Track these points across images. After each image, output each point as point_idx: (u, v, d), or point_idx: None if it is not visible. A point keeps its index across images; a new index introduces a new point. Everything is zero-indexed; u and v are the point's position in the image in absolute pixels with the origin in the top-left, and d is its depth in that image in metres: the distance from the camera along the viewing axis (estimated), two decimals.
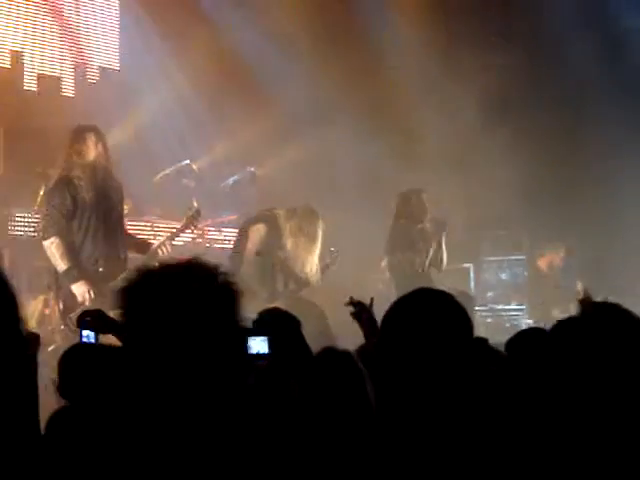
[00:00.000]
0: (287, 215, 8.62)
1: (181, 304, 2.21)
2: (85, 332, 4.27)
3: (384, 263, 9.75)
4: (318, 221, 8.61)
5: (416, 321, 2.78)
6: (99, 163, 7.69)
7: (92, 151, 7.66)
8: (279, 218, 8.61)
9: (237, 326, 2.29)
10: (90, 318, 4.31)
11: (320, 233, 8.57)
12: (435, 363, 2.73)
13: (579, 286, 10.46)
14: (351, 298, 4.53)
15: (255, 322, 3.88)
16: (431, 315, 2.78)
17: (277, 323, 3.77)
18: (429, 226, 9.57)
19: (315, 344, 7.33)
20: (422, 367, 2.72)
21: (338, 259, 8.93)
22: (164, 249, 7.93)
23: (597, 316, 3.18)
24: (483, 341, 3.66)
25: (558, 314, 9.43)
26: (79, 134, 7.70)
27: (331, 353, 3.35)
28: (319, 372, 3.15)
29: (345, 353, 3.26)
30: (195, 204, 8.24)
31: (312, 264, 8.64)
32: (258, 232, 8.54)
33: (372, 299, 4.55)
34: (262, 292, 8.38)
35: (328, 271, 8.89)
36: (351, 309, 4.49)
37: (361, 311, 4.47)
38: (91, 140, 7.66)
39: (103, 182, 7.72)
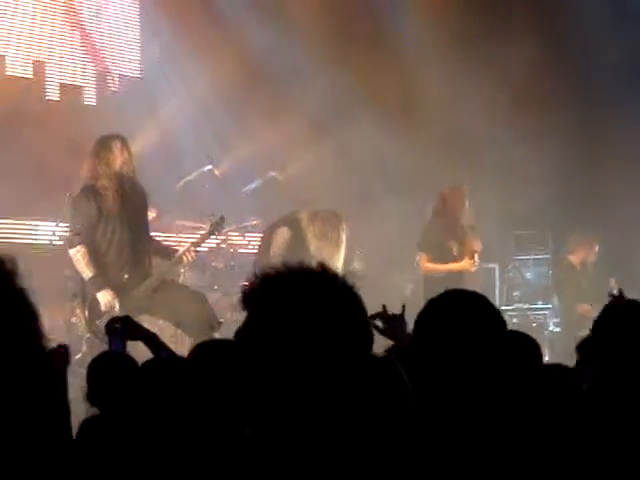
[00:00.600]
0: (310, 218, 8.62)
1: (310, 307, 2.22)
2: (113, 339, 4.29)
3: (417, 259, 9.72)
4: (341, 225, 8.59)
5: (449, 322, 2.76)
6: (125, 171, 7.72)
7: (118, 159, 7.69)
8: (302, 221, 8.61)
9: (365, 328, 2.28)
10: (118, 325, 4.33)
11: (344, 237, 8.56)
12: (470, 363, 2.71)
13: (612, 282, 10.38)
14: (384, 308, 4.27)
15: None
16: (464, 315, 2.77)
17: None
18: (466, 223, 9.54)
19: None
20: (457, 368, 2.70)
21: (365, 262, 8.92)
22: (189, 256, 7.95)
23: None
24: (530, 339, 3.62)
25: (590, 310, 9.40)
26: (105, 143, 7.73)
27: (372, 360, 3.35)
28: (361, 380, 3.15)
29: (386, 359, 3.27)
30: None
31: (336, 268, 8.63)
32: (282, 236, 8.54)
33: (404, 306, 4.33)
34: None
35: (357, 274, 8.88)
36: (379, 324, 4.20)
37: (391, 323, 4.24)
38: (117, 148, 7.69)
39: (129, 190, 7.75)
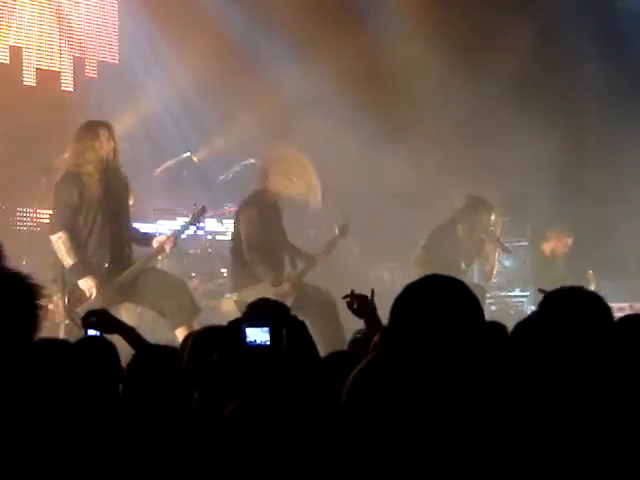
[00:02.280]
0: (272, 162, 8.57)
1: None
2: (90, 332, 4.29)
3: (416, 256, 9.58)
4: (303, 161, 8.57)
5: (426, 306, 2.76)
6: (111, 160, 7.69)
7: (105, 147, 7.66)
8: (265, 192, 8.56)
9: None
10: (95, 318, 4.33)
11: (309, 167, 8.54)
12: (446, 348, 2.72)
13: (590, 275, 10.46)
14: (352, 291, 4.52)
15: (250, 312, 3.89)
16: (441, 300, 2.77)
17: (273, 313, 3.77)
18: (484, 241, 9.42)
19: (327, 332, 7.33)
20: (433, 352, 2.71)
21: (349, 228, 8.78)
22: (169, 245, 7.94)
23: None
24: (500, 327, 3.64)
25: None
26: (92, 129, 7.68)
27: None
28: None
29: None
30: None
31: (315, 191, 8.58)
32: (249, 216, 8.51)
33: (373, 290, 4.52)
34: (266, 276, 8.37)
35: (339, 244, 8.78)
36: (348, 301, 4.48)
37: (361, 304, 4.44)
38: (104, 136, 7.66)
39: (112, 179, 7.72)
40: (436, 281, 2.88)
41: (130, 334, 4.27)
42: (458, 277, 2.89)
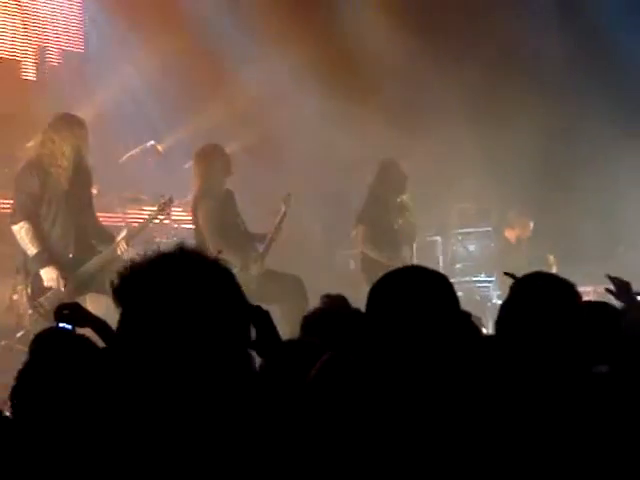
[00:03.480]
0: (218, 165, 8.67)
1: (180, 292, 2.07)
2: (62, 325, 4.27)
3: (354, 233, 9.76)
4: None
5: (403, 296, 2.74)
6: (79, 153, 7.67)
7: (76, 141, 7.64)
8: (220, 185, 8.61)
9: (239, 310, 2.13)
10: (67, 311, 4.31)
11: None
12: (422, 338, 2.71)
13: (551, 259, 10.55)
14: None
15: None
16: (418, 291, 2.75)
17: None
18: (406, 200, 9.59)
19: (294, 317, 7.33)
20: (410, 342, 2.70)
21: (291, 201, 8.95)
22: (124, 247, 7.88)
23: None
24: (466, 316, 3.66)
25: None
26: (70, 125, 7.69)
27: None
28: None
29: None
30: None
31: None
32: (207, 206, 8.53)
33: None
34: (236, 262, 8.42)
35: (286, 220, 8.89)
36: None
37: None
38: (81, 134, 7.66)
39: (78, 171, 7.70)
40: (413, 272, 2.88)
41: (102, 327, 4.26)
42: (395, 237, 2.87)
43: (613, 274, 4.90)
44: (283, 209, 8.87)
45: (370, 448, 2.53)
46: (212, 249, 8.47)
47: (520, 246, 11.18)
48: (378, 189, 9.59)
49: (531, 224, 11.18)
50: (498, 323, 3.27)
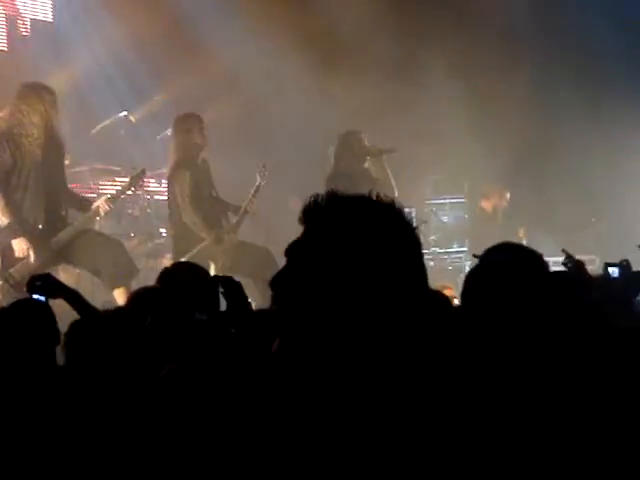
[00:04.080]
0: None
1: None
2: (35, 296, 4.26)
3: None
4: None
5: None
6: (50, 121, 7.60)
7: (50, 112, 7.58)
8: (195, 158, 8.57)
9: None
10: (40, 282, 4.30)
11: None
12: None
13: (521, 232, 10.60)
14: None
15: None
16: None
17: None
18: (370, 165, 9.54)
19: (265, 288, 7.32)
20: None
21: (266, 175, 8.94)
22: (104, 208, 7.88)
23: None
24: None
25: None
26: (38, 93, 7.62)
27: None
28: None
29: None
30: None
31: None
32: (182, 178, 8.50)
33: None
34: (209, 235, 8.43)
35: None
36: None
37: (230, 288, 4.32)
38: (49, 101, 7.60)
39: (50, 140, 7.63)
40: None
41: (75, 298, 4.25)
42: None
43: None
44: (258, 181, 8.85)
45: (331, 417, 2.51)
46: (186, 221, 8.47)
47: (496, 216, 11.21)
48: (340, 162, 9.50)
49: (507, 194, 11.21)
50: (464, 295, 3.25)
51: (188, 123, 8.59)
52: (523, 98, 11.45)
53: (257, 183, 8.84)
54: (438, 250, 11.06)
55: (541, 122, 11.50)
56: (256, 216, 8.98)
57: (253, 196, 8.79)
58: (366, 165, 9.44)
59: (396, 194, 9.29)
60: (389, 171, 9.49)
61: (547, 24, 11.58)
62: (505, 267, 3.18)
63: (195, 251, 8.30)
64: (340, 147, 9.50)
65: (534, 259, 3.35)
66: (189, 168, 8.48)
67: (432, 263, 10.63)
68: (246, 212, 8.72)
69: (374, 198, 2.13)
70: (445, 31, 11.23)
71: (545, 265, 3.44)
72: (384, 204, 2.13)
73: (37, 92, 7.63)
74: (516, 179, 11.32)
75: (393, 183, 9.46)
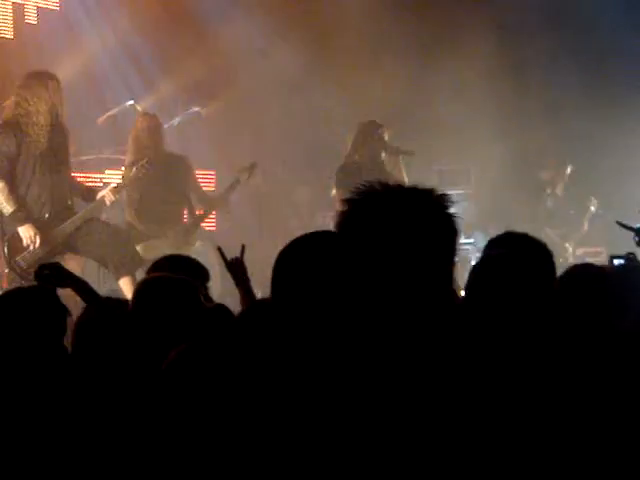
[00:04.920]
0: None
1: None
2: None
3: (334, 192, 9.61)
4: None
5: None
6: (55, 110, 7.59)
7: (54, 98, 7.57)
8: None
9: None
10: (48, 271, 4.30)
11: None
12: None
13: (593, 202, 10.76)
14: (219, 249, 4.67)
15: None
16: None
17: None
18: (386, 161, 9.46)
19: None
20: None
21: (255, 173, 8.96)
22: (111, 197, 7.89)
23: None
24: None
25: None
26: (42, 80, 7.60)
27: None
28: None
29: None
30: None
31: None
32: (130, 180, 8.44)
33: (243, 246, 4.64)
34: (150, 232, 8.55)
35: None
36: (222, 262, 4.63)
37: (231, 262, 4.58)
38: (53, 88, 7.59)
39: (55, 128, 7.62)
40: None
41: (83, 288, 4.25)
42: None
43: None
44: (237, 178, 8.87)
45: (336, 404, 2.47)
46: (126, 217, 8.61)
47: (555, 193, 11.27)
48: (354, 151, 9.43)
49: (568, 168, 11.26)
50: (467, 289, 3.23)
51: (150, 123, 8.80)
52: (531, 90, 11.43)
53: (235, 181, 8.88)
54: None
55: (549, 113, 11.46)
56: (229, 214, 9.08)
57: (226, 193, 8.85)
58: (382, 158, 9.34)
59: None
60: (404, 172, 9.40)
61: (556, 23, 11.55)
62: (504, 263, 3.17)
63: (146, 245, 8.43)
64: (359, 135, 9.39)
65: (537, 250, 3.33)
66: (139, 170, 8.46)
67: None
68: (205, 214, 8.87)
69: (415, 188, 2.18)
70: (455, 24, 11.22)
71: (549, 255, 3.42)
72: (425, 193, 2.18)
73: (42, 80, 7.62)
74: (524, 170, 11.29)
75: (406, 180, 9.40)
